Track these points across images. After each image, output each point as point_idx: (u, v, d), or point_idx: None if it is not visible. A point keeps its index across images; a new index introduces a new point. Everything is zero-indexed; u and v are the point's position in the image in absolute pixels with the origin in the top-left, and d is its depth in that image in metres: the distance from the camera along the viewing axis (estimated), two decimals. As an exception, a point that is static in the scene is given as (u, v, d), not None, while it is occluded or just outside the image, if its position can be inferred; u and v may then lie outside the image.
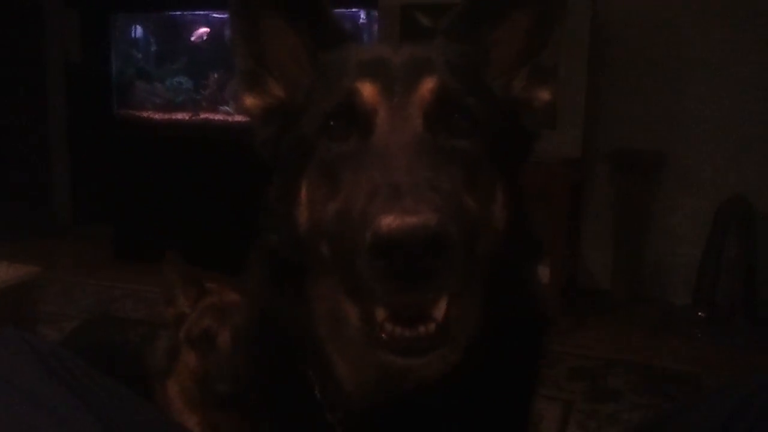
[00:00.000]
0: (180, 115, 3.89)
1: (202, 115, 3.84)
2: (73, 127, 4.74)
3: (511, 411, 0.79)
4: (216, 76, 3.87)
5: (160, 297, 1.71)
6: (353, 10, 3.52)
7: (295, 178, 0.72)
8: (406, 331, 0.60)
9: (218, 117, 3.82)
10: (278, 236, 0.76)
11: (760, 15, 3.12)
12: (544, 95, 0.79)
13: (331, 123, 0.69)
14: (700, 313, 3.05)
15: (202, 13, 3.85)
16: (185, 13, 3.91)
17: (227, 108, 3.83)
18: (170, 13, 3.93)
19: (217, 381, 1.54)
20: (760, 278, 3.08)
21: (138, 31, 4.09)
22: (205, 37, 3.85)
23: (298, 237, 0.72)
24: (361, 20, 3.52)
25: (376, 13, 3.31)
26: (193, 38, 3.85)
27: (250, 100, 0.81)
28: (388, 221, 0.53)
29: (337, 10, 3.07)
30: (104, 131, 4.02)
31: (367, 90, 0.68)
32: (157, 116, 3.91)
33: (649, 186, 3.37)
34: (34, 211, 4.50)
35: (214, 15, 3.84)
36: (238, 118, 3.78)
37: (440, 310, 0.62)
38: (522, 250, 0.75)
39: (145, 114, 3.94)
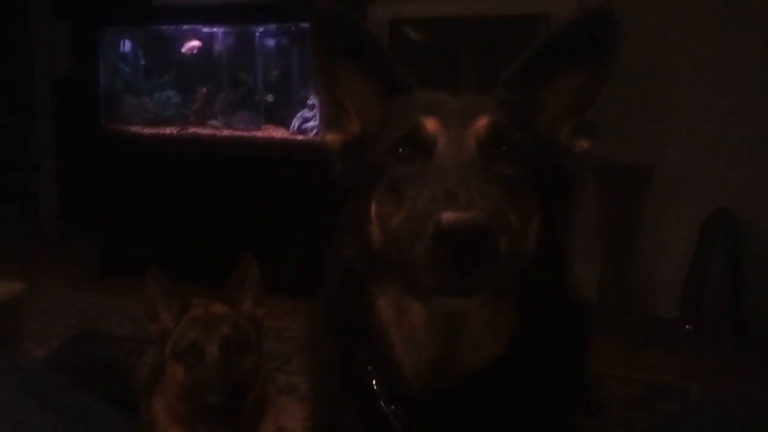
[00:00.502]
0: (168, 130, 3.88)
1: (191, 130, 3.84)
2: (61, 141, 4.72)
3: (553, 407, 0.88)
4: (204, 90, 3.87)
5: (145, 313, 1.71)
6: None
7: (367, 199, 0.83)
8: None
9: (207, 131, 3.81)
10: (353, 251, 0.87)
11: (746, 30, 3.16)
12: (585, 144, 0.91)
13: (399, 149, 0.82)
14: (686, 326, 3.06)
15: (190, 27, 3.85)
16: (174, 27, 3.91)
17: (216, 122, 3.83)
18: (159, 27, 3.93)
19: (208, 392, 1.54)
20: (745, 291, 3.09)
21: (126, 45, 4.08)
22: (195, 51, 3.85)
23: (371, 250, 0.83)
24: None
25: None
26: (183, 50, 3.85)
27: (330, 137, 0.94)
28: (448, 215, 0.65)
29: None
30: (92, 146, 4.00)
31: (430, 123, 0.81)
32: (146, 131, 3.90)
33: (635, 199, 3.38)
34: (21, 226, 4.48)
35: (203, 29, 3.85)
36: (227, 132, 3.79)
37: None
38: (552, 268, 0.86)
39: (133, 128, 3.93)
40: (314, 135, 3.61)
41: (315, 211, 3.46)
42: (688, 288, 3.14)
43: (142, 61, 4.08)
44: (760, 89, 3.17)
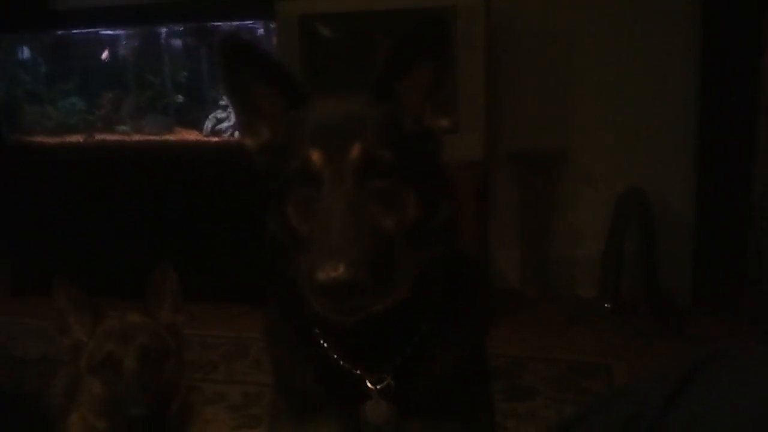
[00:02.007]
0: (74, 138, 3.74)
1: (98, 137, 3.71)
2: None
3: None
4: (110, 95, 3.74)
5: (56, 328, 1.63)
6: (250, 22, 3.48)
7: (282, 196, 1.04)
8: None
9: (115, 137, 3.70)
10: (278, 230, 1.06)
11: (650, 14, 3.27)
12: (444, 123, 1.10)
13: (296, 176, 1.01)
14: (606, 305, 3.15)
15: (91, 31, 3.72)
16: (75, 31, 3.78)
17: (125, 127, 3.71)
18: (59, 32, 3.79)
19: (129, 405, 1.47)
20: (660, 268, 3.20)
21: (25, 51, 3.91)
22: (107, 58, 3.73)
23: (285, 233, 1.05)
24: (259, 33, 3.47)
25: (273, 26, 3.28)
26: (102, 57, 3.74)
27: (248, 141, 1.13)
28: (322, 275, 0.86)
29: (234, 23, 3.02)
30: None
31: (315, 156, 1.00)
32: (51, 140, 3.76)
33: (550, 183, 3.46)
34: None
35: (104, 32, 3.73)
36: (137, 137, 3.68)
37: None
38: (434, 225, 1.04)
39: (37, 138, 3.78)
40: (228, 136, 3.55)
41: (233, 214, 3.43)
42: (605, 267, 3.23)
43: (43, 68, 3.92)
44: (665, 71, 3.28)
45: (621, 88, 3.34)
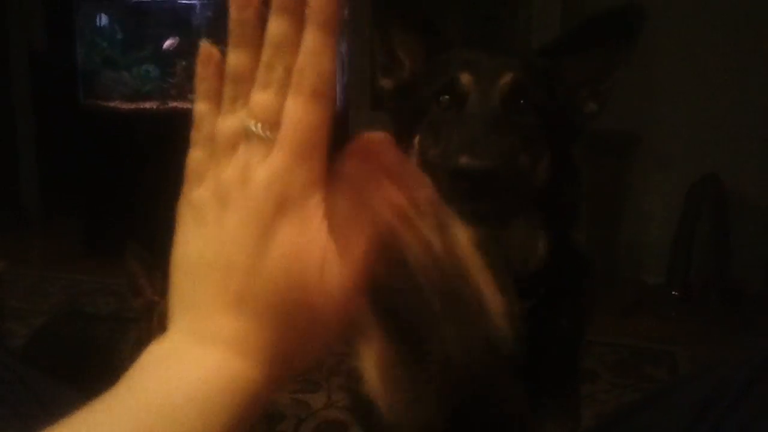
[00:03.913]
0: (148, 104, 3.82)
1: (171, 104, 3.78)
2: (40, 118, 4.63)
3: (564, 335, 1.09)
4: (184, 64, 3.80)
5: (126, 288, 1.68)
6: None
7: (410, 131, 1.04)
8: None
9: (187, 105, 3.76)
10: None
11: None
12: (593, 107, 1.11)
13: (439, 97, 1.02)
14: (673, 292, 3.08)
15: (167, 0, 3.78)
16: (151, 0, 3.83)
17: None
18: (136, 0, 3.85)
19: None
20: (732, 257, 3.11)
21: (103, 18, 4.00)
22: (174, 46, 3.78)
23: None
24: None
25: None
26: (164, 46, 3.80)
27: (384, 82, 1.15)
28: (463, 159, 0.86)
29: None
30: (71, 122, 3.93)
31: (464, 77, 1.00)
32: (125, 105, 3.84)
33: (622, 167, 3.38)
34: (2, 205, 4.41)
35: (181, 2, 3.77)
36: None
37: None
38: (560, 202, 1.04)
39: (112, 104, 3.87)
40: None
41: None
42: (675, 254, 3.14)
43: (120, 35, 3.99)
44: (745, 54, 3.16)
45: (699, 72, 3.24)
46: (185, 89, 3.81)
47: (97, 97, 3.90)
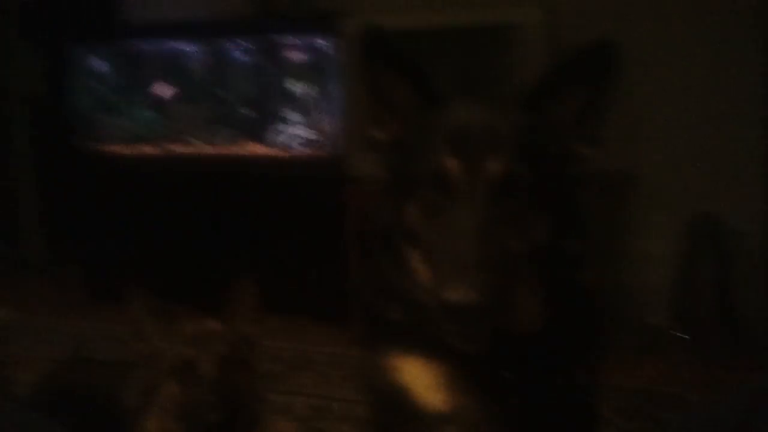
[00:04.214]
0: (147, 149, 3.83)
1: (169, 148, 3.79)
2: (40, 164, 4.62)
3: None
4: (181, 107, 3.83)
5: (132, 334, 1.66)
6: (316, 38, 3.51)
7: (400, 197, 1.03)
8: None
9: (185, 149, 3.77)
10: (387, 220, 1.06)
11: (727, 30, 3.18)
12: (587, 151, 1.07)
13: (427, 179, 0.99)
14: (679, 334, 3.05)
15: (164, 44, 3.83)
16: (146, 43, 3.88)
17: (195, 140, 3.79)
18: (130, 43, 3.90)
19: (207, 411, 1.48)
20: (734, 295, 3.09)
21: (98, 63, 4.01)
22: (169, 96, 3.81)
23: (400, 227, 1.03)
24: (324, 49, 3.50)
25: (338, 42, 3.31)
26: (156, 92, 3.84)
27: (376, 133, 1.12)
28: (452, 295, 0.85)
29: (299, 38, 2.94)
30: (70, 167, 3.94)
31: (451, 164, 0.97)
32: (124, 150, 3.84)
33: (619, 206, 3.37)
34: (2, 252, 4.40)
35: (174, 45, 3.82)
36: (207, 149, 3.75)
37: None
38: (564, 257, 1.02)
39: (111, 148, 3.87)
40: (295, 151, 3.59)
41: (299, 227, 3.47)
42: (678, 294, 3.13)
43: (115, 80, 4.00)
44: (743, 91, 3.19)
45: (692, 110, 3.26)
46: (182, 132, 3.83)
47: (95, 141, 3.90)
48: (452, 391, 1.04)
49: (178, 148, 3.79)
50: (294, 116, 3.61)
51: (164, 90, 3.84)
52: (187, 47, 3.83)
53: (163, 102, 3.88)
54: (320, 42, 3.50)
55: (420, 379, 1.06)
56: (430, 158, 1.00)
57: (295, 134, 3.61)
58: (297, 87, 3.59)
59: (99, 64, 4.00)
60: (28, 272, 4.44)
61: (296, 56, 3.59)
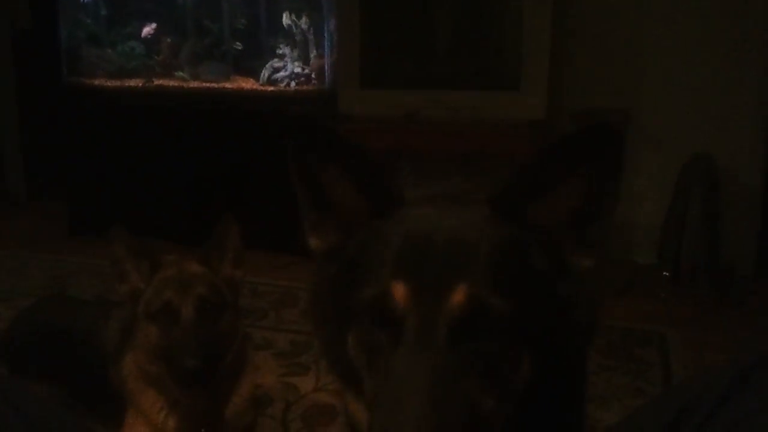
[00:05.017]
0: (133, 82, 3.76)
1: (157, 82, 3.72)
2: (24, 98, 4.55)
3: None
4: (169, 40, 3.74)
5: (112, 274, 1.64)
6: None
7: (344, 325, 0.80)
8: None
9: (173, 83, 3.70)
10: (337, 354, 0.85)
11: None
12: (586, 262, 0.81)
13: (370, 309, 0.76)
14: (664, 273, 3.07)
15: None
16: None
17: (182, 74, 3.72)
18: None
19: (185, 356, 1.47)
20: (723, 237, 3.10)
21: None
22: (152, 32, 3.72)
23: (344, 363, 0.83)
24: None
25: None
26: (143, 34, 3.76)
27: (313, 242, 0.90)
28: None
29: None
30: (55, 100, 3.86)
31: (399, 293, 0.74)
32: (110, 83, 3.78)
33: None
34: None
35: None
36: (194, 83, 3.68)
37: None
38: (549, 396, 0.79)
39: (97, 81, 3.80)
40: (285, 86, 3.53)
41: (286, 164, 3.42)
42: (666, 234, 3.13)
43: (104, 12, 3.92)
44: (737, 33, 3.14)
45: (692, 51, 3.21)
46: (170, 66, 3.75)
47: (82, 75, 3.83)
48: None
49: (166, 82, 3.73)
50: (284, 50, 3.53)
51: (152, 23, 3.75)
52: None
53: (150, 35, 3.79)
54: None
55: None
56: (372, 282, 0.77)
57: (284, 69, 3.53)
58: (288, 21, 3.49)
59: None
60: (9, 206, 4.40)
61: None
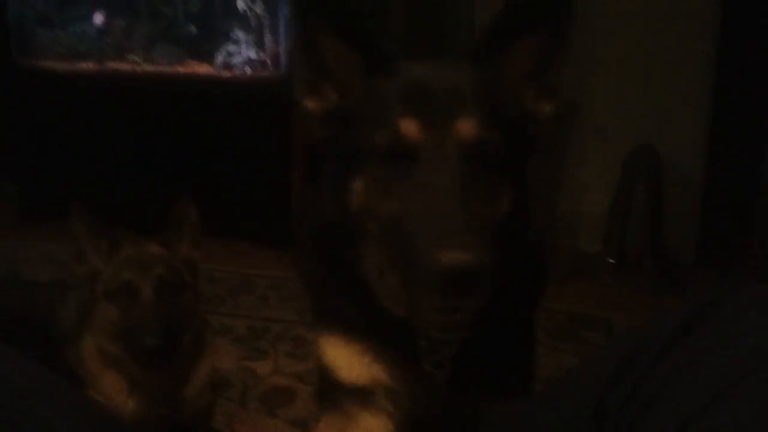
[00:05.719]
0: (85, 65, 3.70)
1: (108, 65, 3.66)
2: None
3: (516, 328, 1.08)
4: (121, 23, 3.68)
5: (71, 254, 1.64)
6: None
7: (346, 172, 0.89)
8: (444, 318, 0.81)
9: (125, 66, 3.65)
10: (330, 209, 0.94)
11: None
12: (547, 108, 0.97)
13: (382, 149, 0.86)
14: (609, 260, 3.17)
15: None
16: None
17: (135, 57, 3.67)
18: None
19: (145, 335, 1.49)
20: (665, 226, 3.21)
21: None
22: (105, 14, 3.67)
23: (348, 213, 0.91)
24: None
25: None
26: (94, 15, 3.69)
27: (310, 104, 0.96)
28: (445, 260, 0.73)
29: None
30: (5, 82, 3.77)
31: (411, 127, 0.85)
32: (62, 65, 3.70)
33: (561, 135, 3.42)
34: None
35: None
36: (148, 67, 3.63)
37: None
38: (520, 222, 0.95)
39: (48, 63, 3.72)
40: (240, 71, 3.51)
41: (240, 150, 3.42)
42: (611, 222, 3.23)
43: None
44: (683, 27, 3.22)
45: (638, 45, 3.29)
46: (123, 48, 3.70)
47: (32, 56, 3.74)
48: (377, 366, 0.99)
49: (119, 66, 3.67)
50: (239, 35, 3.51)
51: (104, 4, 3.68)
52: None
53: (104, 17, 3.71)
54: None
55: (343, 357, 1.01)
56: (382, 124, 0.87)
57: (239, 54, 3.52)
58: (243, 5, 3.47)
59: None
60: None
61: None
